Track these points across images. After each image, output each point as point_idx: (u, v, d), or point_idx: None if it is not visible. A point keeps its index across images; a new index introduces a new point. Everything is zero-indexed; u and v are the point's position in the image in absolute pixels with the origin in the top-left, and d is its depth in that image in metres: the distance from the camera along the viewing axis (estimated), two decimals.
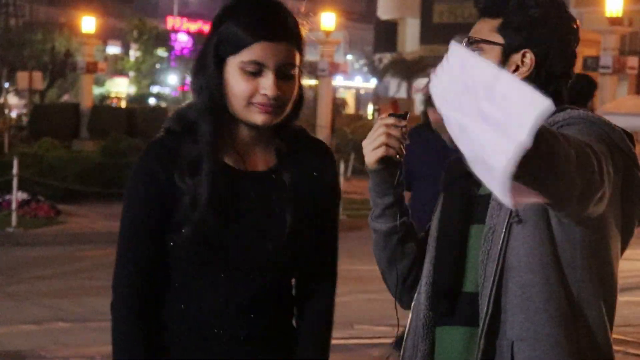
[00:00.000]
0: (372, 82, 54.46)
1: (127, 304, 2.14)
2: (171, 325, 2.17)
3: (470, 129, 1.58)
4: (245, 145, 2.17)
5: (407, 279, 2.24)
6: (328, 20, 27.02)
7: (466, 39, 2.13)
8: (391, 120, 2.09)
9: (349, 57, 58.23)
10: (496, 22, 2.10)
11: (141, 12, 57.27)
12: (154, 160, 2.14)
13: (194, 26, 55.63)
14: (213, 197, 2.10)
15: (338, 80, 42.67)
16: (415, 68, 50.21)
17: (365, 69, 57.08)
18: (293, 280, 2.27)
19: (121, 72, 52.61)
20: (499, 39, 2.08)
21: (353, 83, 55.23)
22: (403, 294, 2.26)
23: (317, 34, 31.51)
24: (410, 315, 2.21)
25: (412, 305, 2.20)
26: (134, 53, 52.84)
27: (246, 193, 2.14)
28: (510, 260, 1.97)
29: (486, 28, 2.11)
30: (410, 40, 52.77)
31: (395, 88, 52.21)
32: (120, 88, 53.41)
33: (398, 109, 36.36)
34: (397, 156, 2.10)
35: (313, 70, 29.22)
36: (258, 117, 2.11)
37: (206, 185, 2.10)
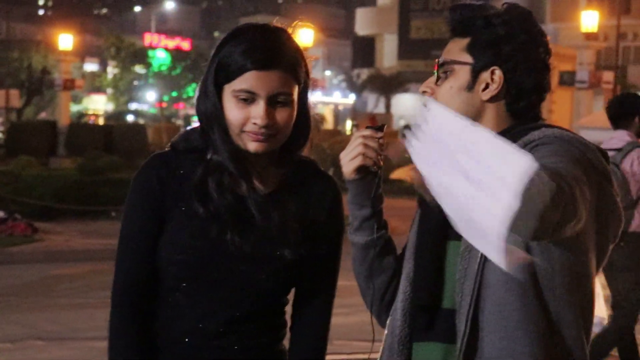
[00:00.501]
0: (351, 98, 54.62)
1: (121, 313, 2.16)
2: (156, 337, 2.18)
3: (454, 189, 1.60)
4: (247, 169, 2.16)
5: (384, 295, 2.24)
6: (306, 36, 27.10)
7: (437, 60, 2.15)
8: (368, 132, 2.11)
9: (327, 72, 58.39)
10: (465, 42, 2.12)
11: (119, 29, 57.20)
12: (152, 173, 2.15)
13: (172, 43, 55.62)
14: (215, 213, 2.11)
15: (316, 96, 42.63)
16: (393, 83, 50.40)
17: (344, 84, 57.27)
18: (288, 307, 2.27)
19: (99, 89, 52.52)
20: (468, 58, 2.10)
21: (331, 99, 55.38)
22: (381, 313, 2.26)
23: None
24: (386, 331, 2.20)
25: (388, 321, 2.19)
26: (111, 70, 52.76)
27: (247, 213, 2.14)
28: (488, 278, 1.97)
29: (456, 48, 2.13)
30: (388, 55, 52.98)
31: (374, 103, 52.36)
32: (98, 105, 53.29)
33: (376, 124, 36.45)
34: (375, 167, 2.10)
35: None
36: (250, 145, 2.12)
37: (210, 202, 2.12)
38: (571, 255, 1.98)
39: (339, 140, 31.28)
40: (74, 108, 44.77)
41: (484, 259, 1.96)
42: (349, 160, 2.11)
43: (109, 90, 51.30)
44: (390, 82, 50.29)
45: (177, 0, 78.76)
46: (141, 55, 49.81)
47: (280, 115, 2.13)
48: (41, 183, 15.73)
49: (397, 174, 27.66)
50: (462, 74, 2.10)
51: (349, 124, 41.63)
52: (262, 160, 2.17)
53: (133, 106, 51.19)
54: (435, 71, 2.15)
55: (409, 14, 50.83)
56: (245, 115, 2.11)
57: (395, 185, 25.44)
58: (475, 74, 2.09)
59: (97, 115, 49.36)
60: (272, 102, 2.11)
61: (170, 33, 56.15)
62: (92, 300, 9.07)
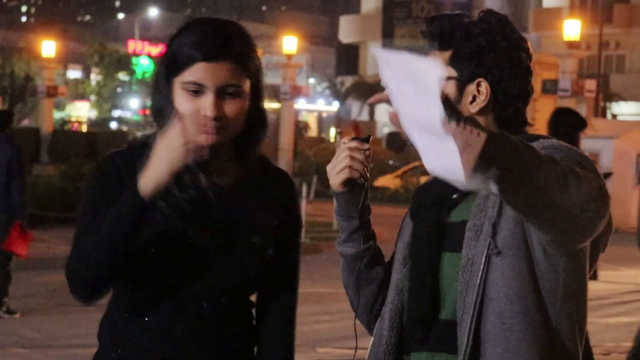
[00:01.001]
0: (334, 105, 54.63)
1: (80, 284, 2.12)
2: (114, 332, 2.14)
3: (420, 122, 1.70)
4: (204, 162, 2.13)
5: (374, 305, 2.23)
6: (290, 43, 27.12)
7: None
8: (354, 144, 2.09)
9: (311, 80, 58.42)
10: (446, 55, 2.09)
11: (102, 35, 57.07)
12: (111, 166, 2.14)
13: (155, 50, 55.50)
14: (177, 207, 2.09)
15: (300, 104, 42.75)
16: (377, 91, 50.22)
17: (327, 92, 57.27)
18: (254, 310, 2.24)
19: (82, 96, 52.30)
20: (452, 72, 2.08)
21: (315, 106, 55.38)
22: (370, 322, 2.25)
23: (279, 58, 31.61)
24: (372, 340, 2.19)
25: (375, 329, 2.19)
26: (95, 77, 52.59)
27: (209, 207, 2.12)
28: (490, 291, 1.96)
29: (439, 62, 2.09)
30: (371, 63, 53.03)
31: (358, 111, 52.39)
32: (81, 112, 53.09)
33: (360, 132, 36.41)
34: (361, 179, 2.10)
35: (275, 93, 29.28)
36: (200, 137, 2.08)
37: (171, 196, 2.09)
38: (574, 265, 1.99)
39: (322, 147, 31.29)
40: (57, 115, 44.60)
41: (486, 272, 1.96)
42: (336, 173, 2.10)
43: (92, 97, 51.11)
44: (374, 89, 50.17)
45: (161, 7, 78.65)
46: (125, 62, 49.67)
47: (230, 107, 2.11)
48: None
49: (381, 182, 27.70)
50: (448, 88, 2.06)
51: (332, 131, 41.68)
52: (218, 155, 2.14)
53: (116, 113, 51.04)
54: None
55: (393, 21, 50.94)
56: (194, 107, 2.09)
57: (379, 192, 25.48)
58: (461, 87, 2.07)
59: (80, 122, 49.20)
60: (221, 94, 2.10)
61: (154, 40, 56.02)
62: (75, 307, 9.03)
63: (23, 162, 9.10)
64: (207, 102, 2.09)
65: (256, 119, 2.18)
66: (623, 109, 38.30)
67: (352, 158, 2.08)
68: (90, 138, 26.73)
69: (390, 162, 30.58)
